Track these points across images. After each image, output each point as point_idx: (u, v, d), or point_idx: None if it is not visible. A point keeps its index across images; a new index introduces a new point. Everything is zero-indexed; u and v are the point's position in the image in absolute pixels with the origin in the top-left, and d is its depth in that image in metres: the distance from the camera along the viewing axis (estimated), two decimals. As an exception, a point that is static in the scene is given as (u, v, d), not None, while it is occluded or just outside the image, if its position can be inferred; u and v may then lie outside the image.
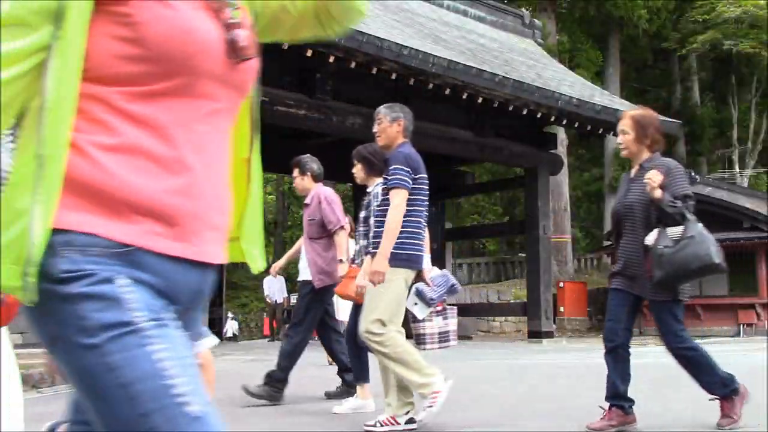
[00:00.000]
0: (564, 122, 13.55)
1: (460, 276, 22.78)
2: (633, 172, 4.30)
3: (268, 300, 17.76)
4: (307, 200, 5.67)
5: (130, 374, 1.05)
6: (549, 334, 14.13)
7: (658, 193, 3.95)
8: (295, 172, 5.77)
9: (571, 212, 22.61)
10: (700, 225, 4.04)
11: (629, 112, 4.44)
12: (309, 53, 9.52)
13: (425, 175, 4.27)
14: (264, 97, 10.45)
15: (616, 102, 14.75)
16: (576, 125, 13.66)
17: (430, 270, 4.66)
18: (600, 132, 14.74)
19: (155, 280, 1.12)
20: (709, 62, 28.16)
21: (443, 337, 4.80)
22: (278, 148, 14.16)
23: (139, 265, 1.10)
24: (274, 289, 17.30)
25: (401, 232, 4.13)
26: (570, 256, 22.81)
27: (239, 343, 17.53)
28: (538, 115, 12.67)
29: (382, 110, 4.38)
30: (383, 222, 4.20)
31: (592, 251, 25.89)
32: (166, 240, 1.13)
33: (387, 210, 4.20)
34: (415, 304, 4.49)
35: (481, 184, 21.46)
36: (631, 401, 4.18)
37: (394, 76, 10.49)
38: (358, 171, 5.01)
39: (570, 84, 14.36)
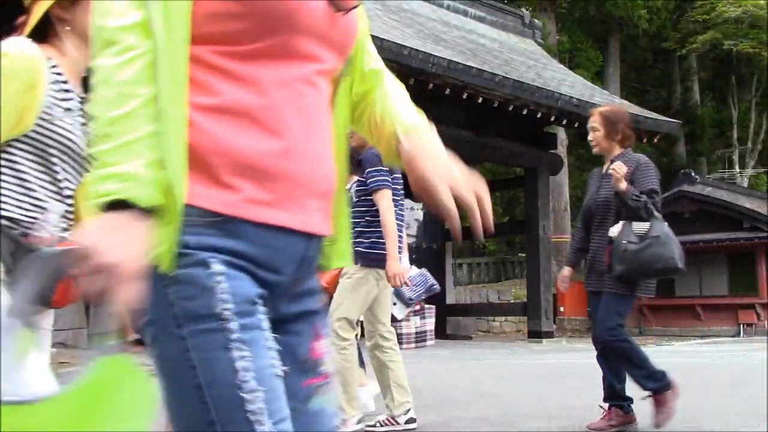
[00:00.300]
0: (564, 122, 13.55)
1: (459, 276, 22.76)
2: (605, 168, 4.29)
3: None
4: None
5: (207, 377, 1.02)
6: (549, 334, 14.13)
7: (623, 185, 3.94)
8: None
9: (571, 212, 22.58)
10: (665, 225, 4.04)
11: (598, 108, 4.44)
12: (309, 53, 9.53)
13: (399, 175, 4.25)
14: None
15: (616, 102, 14.76)
16: (576, 125, 13.65)
17: (408, 270, 4.64)
18: (600, 132, 14.74)
19: (255, 250, 1.07)
20: (709, 62, 28.16)
21: (420, 336, 4.78)
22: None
23: (238, 234, 1.05)
24: None
25: (374, 232, 4.13)
26: (570, 256, 22.78)
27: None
28: (538, 115, 12.67)
29: None
30: (358, 223, 4.16)
31: (592, 251, 25.85)
32: (266, 208, 1.07)
33: (362, 212, 4.19)
34: (394, 304, 4.45)
35: (481, 184, 21.41)
36: (630, 400, 4.18)
37: (394, 76, 10.49)
38: None
39: (570, 84, 14.37)
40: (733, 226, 16.91)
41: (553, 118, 13.28)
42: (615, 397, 4.17)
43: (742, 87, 27.30)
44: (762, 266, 17.08)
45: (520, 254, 24.21)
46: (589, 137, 4.32)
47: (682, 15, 25.93)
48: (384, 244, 4.10)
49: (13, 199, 1.75)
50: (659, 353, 11.12)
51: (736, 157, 26.55)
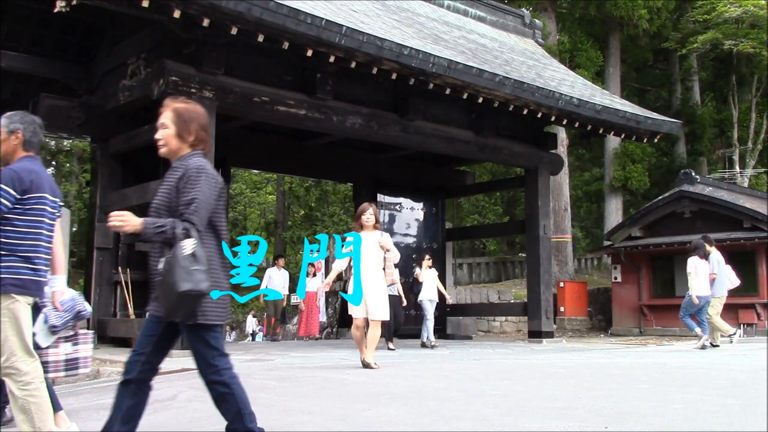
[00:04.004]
0: (564, 122, 13.54)
1: (460, 276, 22.76)
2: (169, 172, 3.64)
3: (262, 298, 16.58)
4: None
5: None
6: (549, 334, 14.13)
7: (131, 229, 3.37)
8: None
9: (571, 212, 22.61)
10: (180, 247, 3.30)
11: (172, 103, 3.71)
12: (309, 53, 9.51)
13: (44, 194, 3.86)
14: (264, 97, 10.45)
15: (616, 102, 14.76)
16: (576, 125, 13.66)
17: (63, 293, 4.38)
18: (600, 132, 14.74)
19: None
20: (709, 62, 28.17)
21: (71, 364, 4.51)
22: (278, 148, 14.21)
23: None
24: (275, 283, 16.20)
25: (15, 257, 3.76)
26: (570, 256, 22.83)
27: (239, 344, 17.52)
28: (538, 115, 12.67)
29: (2, 121, 3.99)
30: None
31: (592, 251, 25.92)
32: None
33: None
34: (40, 330, 4.27)
35: (481, 184, 21.46)
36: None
37: (394, 76, 10.48)
38: None
39: (570, 84, 14.36)
40: (733, 225, 16.89)
41: (553, 118, 13.27)
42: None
43: (742, 87, 27.31)
44: (762, 266, 17.06)
45: (520, 254, 24.24)
46: (157, 134, 3.65)
47: (682, 15, 25.94)
48: (27, 268, 3.75)
49: None
50: (659, 353, 11.11)
51: (736, 157, 26.56)
